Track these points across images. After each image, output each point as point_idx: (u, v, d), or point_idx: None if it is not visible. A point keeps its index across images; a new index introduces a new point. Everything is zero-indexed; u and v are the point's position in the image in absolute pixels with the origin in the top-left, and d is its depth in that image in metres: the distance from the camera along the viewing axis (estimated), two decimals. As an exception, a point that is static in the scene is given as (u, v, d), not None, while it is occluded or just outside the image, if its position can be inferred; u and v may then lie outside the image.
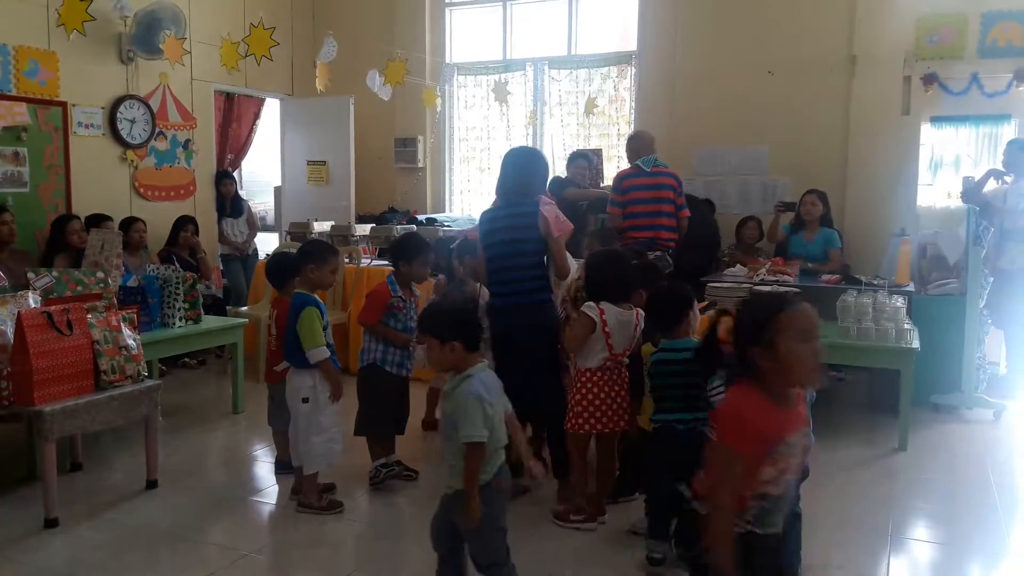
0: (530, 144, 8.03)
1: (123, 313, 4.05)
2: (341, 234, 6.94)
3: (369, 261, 6.62)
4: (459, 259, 4.66)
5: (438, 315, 2.83)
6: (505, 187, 3.94)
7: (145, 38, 6.68)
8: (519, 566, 2.99)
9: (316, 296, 3.79)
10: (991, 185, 5.84)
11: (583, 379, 3.57)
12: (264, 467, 4.47)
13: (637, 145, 5.70)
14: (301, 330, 3.65)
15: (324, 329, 3.73)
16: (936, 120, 6.57)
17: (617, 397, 3.57)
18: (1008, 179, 5.77)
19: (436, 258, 4.60)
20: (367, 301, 4.15)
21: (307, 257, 3.82)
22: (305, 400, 3.72)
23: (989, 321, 5.73)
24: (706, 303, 5.38)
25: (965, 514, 3.86)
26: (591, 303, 3.53)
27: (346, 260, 6.37)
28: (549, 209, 3.86)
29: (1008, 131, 6.41)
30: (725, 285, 5.53)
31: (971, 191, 5.63)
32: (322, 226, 7.14)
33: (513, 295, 3.80)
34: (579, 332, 3.52)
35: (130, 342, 3.95)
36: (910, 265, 5.80)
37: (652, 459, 3.36)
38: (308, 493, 3.79)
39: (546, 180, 4.20)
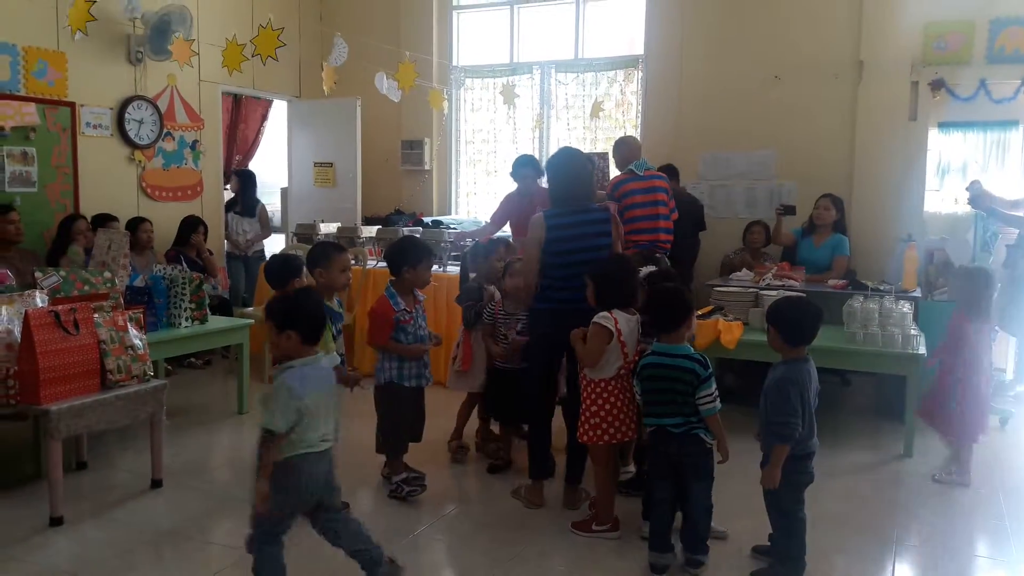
0: (536, 148, 8.05)
1: (129, 313, 4.06)
2: (347, 235, 6.95)
3: (375, 263, 6.63)
4: (475, 262, 4.65)
5: (281, 304, 2.87)
6: (569, 192, 3.90)
7: (156, 40, 6.71)
8: (524, 571, 2.98)
9: (328, 304, 3.76)
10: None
11: (599, 390, 3.51)
12: (269, 468, 4.47)
13: (626, 151, 5.68)
14: None
15: (336, 338, 3.72)
16: (943, 126, 6.56)
17: (631, 404, 3.54)
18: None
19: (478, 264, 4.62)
20: (371, 321, 4.00)
21: (313, 262, 3.83)
22: None
23: (996, 328, 5.71)
24: (711, 307, 5.38)
25: (972, 521, 3.85)
26: (604, 313, 3.47)
27: (352, 262, 6.37)
28: (616, 216, 3.92)
29: (1016, 137, 6.40)
30: (731, 290, 5.53)
31: (978, 196, 5.61)
32: (328, 227, 7.15)
33: (584, 300, 3.70)
34: (598, 345, 3.46)
35: (136, 342, 3.96)
36: (917, 271, 5.79)
37: (651, 463, 3.34)
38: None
39: (593, 181, 4.26)
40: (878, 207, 6.56)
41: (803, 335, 3.18)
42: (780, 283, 5.58)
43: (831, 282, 5.68)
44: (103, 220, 6.09)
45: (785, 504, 3.15)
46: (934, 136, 6.55)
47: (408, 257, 3.96)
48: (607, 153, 7.29)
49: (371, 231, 7.07)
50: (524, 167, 5.32)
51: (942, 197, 6.66)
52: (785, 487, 3.10)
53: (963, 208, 6.30)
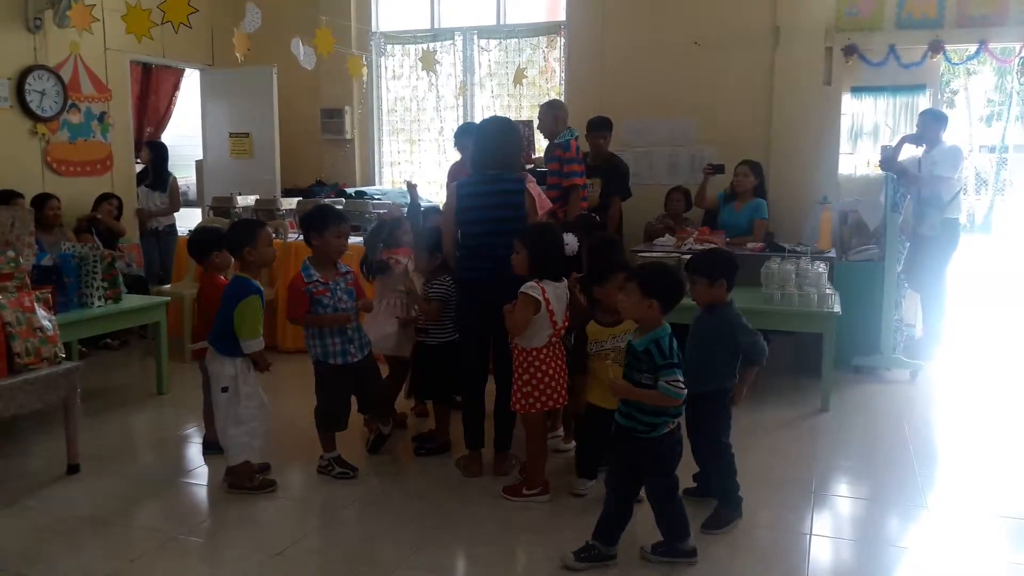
0: (460, 116, 7.97)
1: (36, 293, 3.88)
2: (266, 208, 6.77)
3: (296, 235, 6.48)
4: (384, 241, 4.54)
5: None
6: (485, 160, 3.85)
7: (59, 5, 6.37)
8: (456, 536, 2.95)
9: (256, 282, 3.67)
10: (908, 151, 6.01)
11: (530, 359, 3.53)
12: (193, 448, 4.37)
13: (562, 115, 5.67)
14: (241, 320, 3.54)
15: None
16: (856, 90, 6.74)
17: (562, 371, 3.57)
18: (922, 147, 5.96)
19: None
20: (288, 295, 3.89)
21: (238, 242, 3.68)
22: (224, 390, 3.62)
23: (906, 285, 5.95)
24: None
25: (884, 470, 4.02)
26: (532, 284, 3.46)
27: (273, 235, 6.22)
28: (534, 187, 3.86)
29: (923, 101, 6.63)
30: (655, 255, 5.60)
31: (889, 159, 5.81)
32: (246, 200, 6.96)
33: (496, 270, 3.68)
34: (524, 315, 3.45)
35: (45, 323, 3.80)
36: (832, 232, 5.97)
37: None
38: (239, 477, 3.71)
39: (521, 153, 4.17)
40: (795, 170, 6.71)
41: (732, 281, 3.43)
42: (701, 247, 5.67)
43: (750, 245, 5.80)
44: (7, 197, 5.79)
45: (723, 436, 3.38)
46: (847, 101, 6.74)
47: (314, 223, 3.82)
48: (532, 121, 7.27)
49: (291, 203, 6.91)
50: (464, 136, 5.25)
51: (855, 160, 6.86)
52: (722, 420, 3.40)
53: (875, 170, 6.51)
